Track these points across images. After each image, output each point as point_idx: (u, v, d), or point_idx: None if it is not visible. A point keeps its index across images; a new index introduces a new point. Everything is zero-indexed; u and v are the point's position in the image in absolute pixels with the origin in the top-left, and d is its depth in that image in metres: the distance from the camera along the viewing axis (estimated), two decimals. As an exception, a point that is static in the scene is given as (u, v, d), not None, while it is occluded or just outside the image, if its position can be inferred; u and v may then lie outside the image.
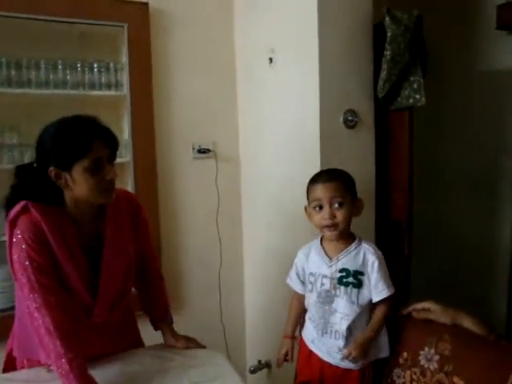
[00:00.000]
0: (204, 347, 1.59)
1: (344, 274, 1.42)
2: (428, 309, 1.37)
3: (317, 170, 1.80)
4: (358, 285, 1.41)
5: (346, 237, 1.45)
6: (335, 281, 1.42)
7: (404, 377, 1.35)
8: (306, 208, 1.50)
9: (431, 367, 1.27)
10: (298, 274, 1.54)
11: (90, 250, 1.39)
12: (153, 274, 1.64)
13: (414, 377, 1.31)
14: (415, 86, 1.79)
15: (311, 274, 1.49)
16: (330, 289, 1.43)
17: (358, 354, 1.36)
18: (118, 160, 2.11)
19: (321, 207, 1.41)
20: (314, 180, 1.46)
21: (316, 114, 1.81)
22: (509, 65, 2.25)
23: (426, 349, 1.29)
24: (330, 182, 1.41)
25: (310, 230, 1.87)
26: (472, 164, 2.39)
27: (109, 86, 2.12)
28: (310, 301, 1.49)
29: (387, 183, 1.92)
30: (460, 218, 2.42)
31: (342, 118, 1.83)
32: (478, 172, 2.39)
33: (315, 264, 1.48)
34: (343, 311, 1.41)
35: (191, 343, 1.59)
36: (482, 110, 2.35)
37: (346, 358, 1.38)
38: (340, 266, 1.42)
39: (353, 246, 1.45)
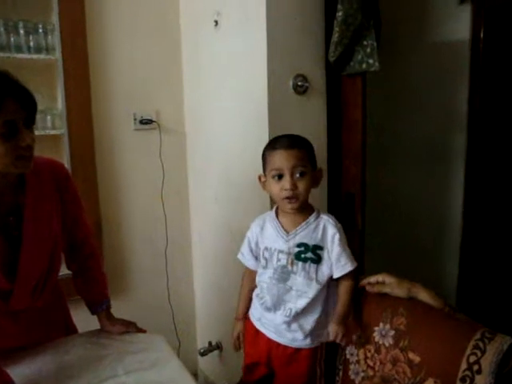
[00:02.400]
0: (144, 331, 1.47)
1: (302, 248, 1.31)
2: (382, 282, 1.29)
3: (266, 139, 1.69)
4: (317, 260, 1.31)
5: (304, 209, 1.34)
6: (292, 256, 1.31)
7: (358, 354, 1.28)
8: (260, 177, 1.37)
9: (386, 343, 1.19)
10: (250, 249, 1.42)
11: (7, 226, 1.22)
12: (87, 252, 1.48)
13: (369, 354, 1.24)
14: (368, 50, 1.69)
15: (266, 248, 1.36)
16: (286, 264, 1.31)
17: (342, 330, 1.28)
18: (52, 132, 1.97)
19: (280, 176, 1.27)
20: (273, 146, 1.31)
21: (264, 80, 1.69)
22: (460, 36, 2.22)
23: (381, 324, 1.22)
24: (292, 150, 1.27)
25: (261, 202, 1.78)
26: (422, 134, 2.36)
27: (38, 50, 1.92)
28: (263, 277, 1.37)
29: (339, 152, 1.83)
30: (411, 189, 2.39)
31: (291, 84, 1.72)
32: (429, 142, 2.36)
33: (270, 238, 1.36)
34: (301, 288, 1.31)
35: (130, 328, 1.47)
36: (434, 80, 2.31)
37: (332, 337, 1.29)
38: (298, 240, 1.31)
39: (311, 218, 1.33)
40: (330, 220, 1.34)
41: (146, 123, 2.15)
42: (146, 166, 2.20)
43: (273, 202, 1.70)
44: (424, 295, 1.22)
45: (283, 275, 1.31)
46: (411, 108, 2.36)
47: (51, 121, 1.97)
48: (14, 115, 1.10)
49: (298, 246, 1.30)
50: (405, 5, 2.26)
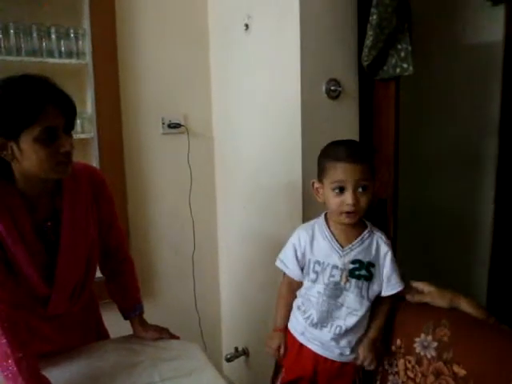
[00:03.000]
0: (177, 338, 1.46)
1: (357, 265, 1.25)
2: (422, 291, 1.26)
3: (298, 145, 1.68)
4: (369, 277, 1.27)
5: (358, 222, 1.28)
6: (347, 272, 1.25)
7: (397, 365, 1.25)
8: (313, 183, 1.31)
9: (428, 355, 1.16)
10: (297, 259, 1.31)
11: (45, 231, 1.22)
12: (120, 258, 1.48)
13: (409, 365, 1.21)
14: (402, 54, 1.66)
15: (318, 262, 1.29)
16: (339, 281, 1.26)
17: (371, 355, 1.26)
18: (82, 136, 1.98)
19: (341, 189, 1.21)
20: (337, 157, 1.21)
21: (297, 85, 1.67)
22: (493, 38, 2.17)
23: (422, 335, 1.18)
24: (358, 164, 1.19)
25: (290, 210, 1.76)
26: (454, 139, 2.32)
27: (69, 54, 1.93)
28: (311, 292, 1.30)
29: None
30: (443, 195, 2.35)
31: (324, 88, 1.70)
32: (461, 147, 2.32)
33: (323, 252, 1.28)
34: (351, 306, 1.26)
35: (163, 334, 1.46)
36: (467, 84, 2.26)
37: (363, 363, 1.26)
38: (353, 256, 1.26)
39: (366, 233, 1.28)
40: (383, 237, 1.30)
41: (175, 127, 2.15)
42: (174, 170, 2.19)
43: (306, 208, 1.68)
44: (466, 306, 1.18)
45: (335, 292, 1.26)
46: (442, 112, 2.32)
47: (81, 124, 1.97)
48: (55, 122, 1.10)
49: (353, 262, 1.25)
50: (436, 6, 2.23)
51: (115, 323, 1.51)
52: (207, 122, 2.26)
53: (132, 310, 1.47)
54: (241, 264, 2.20)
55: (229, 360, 2.25)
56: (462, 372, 1.08)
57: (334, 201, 1.22)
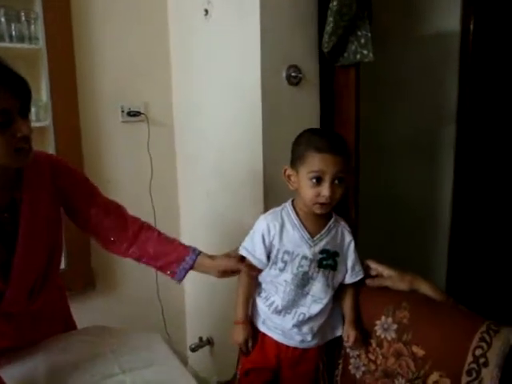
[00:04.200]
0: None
1: (325, 255, 1.25)
2: (382, 275, 1.28)
3: (259, 131, 1.67)
4: (334, 267, 1.27)
5: None
6: (315, 263, 1.25)
7: (359, 349, 1.26)
8: (286, 170, 1.27)
9: (388, 337, 1.18)
10: (265, 247, 1.27)
11: (2, 224, 1.16)
12: (136, 225, 1.40)
13: (370, 348, 1.23)
14: (362, 40, 1.67)
15: (287, 252, 1.26)
16: (308, 271, 1.25)
17: (357, 334, 1.25)
18: (37, 124, 1.90)
19: (318, 180, 1.18)
20: (318, 147, 1.18)
21: (257, 71, 1.65)
22: (450, 28, 2.21)
23: (383, 318, 1.20)
24: (339, 156, 1.17)
25: (252, 197, 1.75)
26: (414, 127, 2.36)
27: (21, 39, 1.84)
28: (277, 280, 1.28)
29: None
30: (403, 183, 2.39)
31: (284, 75, 1.69)
32: (418, 134, 2.37)
33: (293, 242, 1.25)
34: (317, 295, 1.26)
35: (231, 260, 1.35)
36: (425, 72, 2.31)
37: (351, 342, 1.25)
38: (322, 246, 1.25)
39: (332, 223, 1.28)
40: (346, 226, 1.31)
41: (134, 115, 2.10)
42: (134, 159, 2.15)
43: (268, 195, 1.68)
44: (426, 288, 1.21)
45: (303, 281, 1.26)
46: (401, 100, 2.36)
47: (35, 112, 1.89)
48: (7, 104, 1.03)
49: (321, 252, 1.25)
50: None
51: (84, 315, 1.48)
52: (168, 110, 2.21)
53: (189, 254, 1.37)
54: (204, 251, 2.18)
55: (193, 350, 2.24)
56: (420, 352, 1.11)
57: (309, 191, 1.19)
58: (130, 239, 1.37)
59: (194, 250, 1.39)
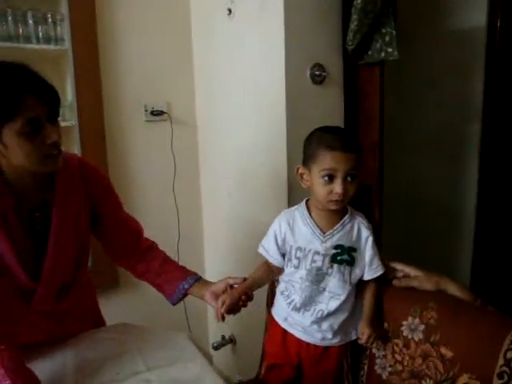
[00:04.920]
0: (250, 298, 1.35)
1: (339, 250, 1.25)
2: (408, 275, 1.26)
3: (283, 131, 1.67)
4: (352, 262, 1.26)
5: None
6: (329, 258, 1.25)
7: (385, 349, 1.25)
8: (298, 168, 1.28)
9: (415, 338, 1.16)
10: (277, 245, 1.30)
11: (33, 223, 1.18)
12: (146, 246, 1.48)
13: (396, 348, 1.21)
14: (387, 38, 1.66)
15: (299, 248, 1.27)
16: (322, 266, 1.25)
17: (372, 332, 1.23)
18: (62, 124, 1.91)
19: (330, 177, 1.18)
20: (329, 145, 1.18)
21: (281, 70, 1.65)
22: (476, 24, 2.17)
23: (410, 318, 1.19)
24: (350, 153, 1.17)
25: (275, 196, 1.75)
26: (439, 125, 2.33)
27: (47, 40, 1.88)
28: (294, 277, 1.29)
29: (357, 143, 1.80)
30: (427, 181, 2.36)
31: (308, 73, 1.68)
32: (444, 132, 2.33)
33: (304, 238, 1.27)
34: (334, 290, 1.26)
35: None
36: (450, 69, 2.27)
37: (365, 340, 1.23)
38: (335, 241, 1.25)
39: (346, 218, 1.27)
40: (364, 222, 1.29)
41: (158, 115, 2.12)
42: (158, 158, 2.17)
43: (291, 194, 1.67)
44: (453, 288, 1.19)
45: (317, 277, 1.26)
46: (426, 97, 2.33)
47: (61, 112, 1.92)
48: (37, 112, 1.04)
49: (335, 247, 1.25)
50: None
51: (112, 310, 1.51)
52: (190, 109, 2.23)
53: (186, 279, 1.43)
54: (227, 252, 2.19)
55: (216, 348, 2.25)
56: (449, 354, 1.09)
57: (322, 189, 1.20)
58: (138, 256, 1.45)
59: (196, 274, 1.45)
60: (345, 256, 1.25)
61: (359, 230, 1.28)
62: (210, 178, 2.26)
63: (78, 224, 1.25)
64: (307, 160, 1.24)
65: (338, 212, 1.27)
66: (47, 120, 1.07)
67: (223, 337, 2.27)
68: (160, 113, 2.12)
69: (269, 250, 1.33)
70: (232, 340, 2.23)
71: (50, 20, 1.86)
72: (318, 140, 1.22)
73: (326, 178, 1.18)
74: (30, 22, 1.83)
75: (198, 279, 1.44)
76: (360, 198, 1.82)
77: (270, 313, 1.42)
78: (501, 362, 0.98)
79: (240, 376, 2.13)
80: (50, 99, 1.08)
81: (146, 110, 2.11)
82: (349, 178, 1.18)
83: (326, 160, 1.18)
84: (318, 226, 1.26)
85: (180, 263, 2.23)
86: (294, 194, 1.67)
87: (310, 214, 1.28)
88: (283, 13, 1.61)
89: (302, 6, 1.65)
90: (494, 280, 2.26)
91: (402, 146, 2.29)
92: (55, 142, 1.08)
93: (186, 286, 1.42)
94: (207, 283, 1.42)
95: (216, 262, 2.32)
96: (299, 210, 1.31)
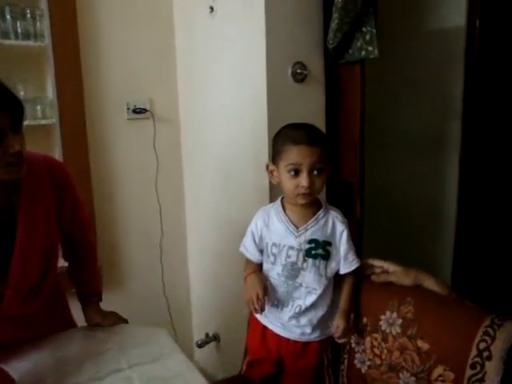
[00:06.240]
0: (126, 321, 1.47)
1: (313, 245, 1.26)
2: (387, 270, 1.28)
3: (265, 129, 1.67)
4: (327, 256, 1.28)
5: (313, 202, 1.29)
6: (303, 253, 1.26)
7: (364, 343, 1.27)
8: (268, 166, 1.31)
9: (393, 332, 1.18)
10: (254, 243, 1.34)
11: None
12: (83, 247, 1.46)
13: (375, 343, 1.23)
14: (367, 37, 1.67)
15: (274, 244, 1.30)
16: (296, 261, 1.27)
17: (346, 326, 1.25)
18: (43, 122, 1.91)
19: (296, 172, 1.21)
20: (293, 139, 1.21)
21: (262, 68, 1.66)
22: (456, 23, 2.20)
23: (388, 313, 1.21)
24: (314, 147, 1.20)
25: (258, 194, 1.76)
26: (417, 123, 2.36)
27: (26, 36, 1.85)
28: (271, 273, 1.32)
29: (338, 140, 1.81)
30: (409, 178, 2.39)
31: (290, 72, 1.69)
32: (424, 131, 2.36)
33: (279, 234, 1.29)
34: (310, 285, 1.28)
35: (121, 320, 1.46)
36: (431, 68, 2.30)
37: (339, 333, 1.25)
38: (309, 236, 1.27)
39: (320, 213, 1.29)
40: (339, 216, 1.31)
41: (140, 112, 2.11)
42: (140, 156, 2.16)
43: (273, 191, 1.68)
44: (430, 282, 1.21)
45: (293, 272, 1.27)
46: (406, 96, 2.35)
47: (41, 110, 1.91)
48: None
49: (309, 242, 1.26)
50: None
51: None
52: (173, 107, 2.22)
53: (90, 296, 1.46)
54: (210, 249, 2.19)
55: (200, 346, 2.25)
56: (425, 346, 1.11)
57: (288, 183, 1.23)
58: (73, 256, 1.47)
59: (98, 296, 1.49)
60: (319, 250, 1.27)
61: (334, 224, 1.30)
62: (192, 175, 2.26)
63: (45, 225, 1.25)
64: (275, 156, 1.28)
65: (312, 207, 1.29)
66: (10, 129, 1.05)
67: (207, 334, 2.27)
68: (142, 110, 2.11)
69: (248, 248, 1.36)
70: (216, 337, 2.24)
71: (28, 15, 1.84)
72: (284, 136, 1.26)
73: (292, 173, 1.22)
74: (8, 17, 1.80)
75: (93, 301, 1.47)
76: (341, 195, 1.85)
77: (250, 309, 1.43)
78: (474, 353, 1.01)
79: (224, 373, 2.14)
80: (13, 108, 1.06)
81: (129, 108, 2.10)
82: (315, 172, 1.22)
83: (291, 155, 1.21)
84: (291, 222, 1.29)
85: (163, 261, 2.27)
86: (276, 193, 1.68)
87: (284, 211, 1.31)
88: (264, 11, 1.62)
89: (284, 5, 1.66)
90: (475, 276, 2.29)
91: (384, 144, 2.32)
92: (18, 151, 1.06)
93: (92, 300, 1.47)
94: (92, 312, 1.46)
95: (199, 260, 2.32)
96: (274, 207, 1.34)
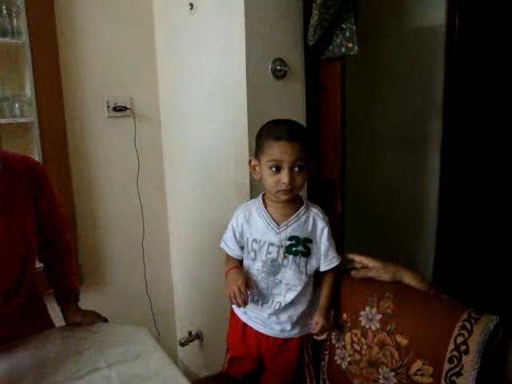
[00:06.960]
0: (105, 320, 1.45)
1: (293, 241, 1.26)
2: (366, 266, 1.29)
3: (245, 126, 1.67)
4: (307, 253, 1.28)
5: (294, 199, 1.29)
6: (284, 249, 1.26)
7: (344, 339, 1.27)
8: (250, 160, 1.30)
9: (373, 327, 1.19)
10: (235, 239, 1.34)
11: None
12: (60, 246, 1.44)
13: (355, 338, 1.23)
14: (347, 33, 1.67)
15: (255, 240, 1.30)
16: (277, 258, 1.27)
17: (325, 323, 1.24)
18: (21, 120, 1.88)
19: (278, 168, 1.20)
20: (275, 135, 1.20)
21: (242, 65, 1.65)
22: (436, 22, 2.22)
23: (367, 308, 1.21)
24: (295, 143, 1.18)
25: (238, 192, 1.75)
26: (398, 119, 2.37)
27: (3, 33, 1.82)
28: (251, 270, 1.32)
29: (318, 137, 1.81)
30: (390, 174, 2.40)
31: (270, 68, 1.69)
32: (405, 127, 2.38)
33: (259, 230, 1.29)
34: (290, 282, 1.28)
35: (100, 319, 1.45)
36: (409, 65, 2.31)
37: (318, 330, 1.23)
38: (289, 232, 1.26)
39: (301, 210, 1.29)
40: (320, 213, 1.31)
41: (120, 110, 2.09)
42: (121, 154, 2.14)
43: (254, 189, 1.68)
44: (409, 278, 1.22)
45: (273, 268, 1.27)
46: (387, 93, 2.37)
47: (19, 108, 1.89)
48: None
49: (290, 239, 1.26)
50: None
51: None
52: (154, 105, 2.20)
53: (69, 295, 1.44)
54: (192, 248, 2.18)
55: (183, 344, 2.24)
56: (404, 341, 1.11)
57: (269, 179, 1.23)
58: (50, 256, 1.45)
59: (77, 295, 1.47)
60: (300, 247, 1.27)
61: (314, 221, 1.29)
62: (174, 174, 2.24)
63: (22, 224, 1.23)
64: (257, 151, 1.27)
65: (293, 204, 1.29)
66: None
67: (190, 333, 2.26)
68: (123, 108, 2.09)
69: (228, 244, 1.36)
70: (199, 336, 2.23)
71: (4, 12, 1.81)
72: (267, 131, 1.25)
73: (274, 169, 1.21)
74: (-16, 14, 1.78)
75: (72, 300, 1.46)
76: (322, 191, 1.85)
77: (231, 306, 1.42)
78: (451, 347, 1.02)
79: (207, 371, 2.13)
80: None
81: (109, 106, 2.08)
82: (296, 169, 1.21)
83: (273, 151, 1.20)
84: (272, 218, 1.28)
85: (145, 260, 2.25)
86: (257, 189, 1.68)
87: (265, 207, 1.30)
88: (244, 8, 1.61)
89: (263, 1, 1.65)
90: (456, 271, 2.32)
91: (365, 141, 2.32)
92: None
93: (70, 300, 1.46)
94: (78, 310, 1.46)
95: (181, 258, 2.31)
96: (255, 203, 1.33)
